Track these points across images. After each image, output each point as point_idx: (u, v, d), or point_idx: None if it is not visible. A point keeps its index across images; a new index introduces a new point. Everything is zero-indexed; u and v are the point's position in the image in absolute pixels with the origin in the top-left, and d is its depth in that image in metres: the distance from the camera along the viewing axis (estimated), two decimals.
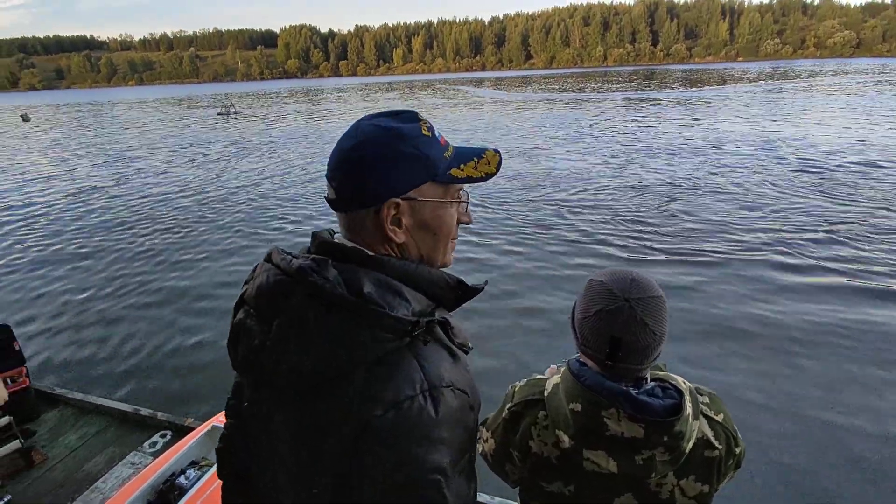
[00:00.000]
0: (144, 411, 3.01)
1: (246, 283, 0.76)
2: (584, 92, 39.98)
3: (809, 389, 3.49)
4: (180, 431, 2.84)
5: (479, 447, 1.12)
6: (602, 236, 6.65)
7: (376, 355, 0.62)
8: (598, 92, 39.07)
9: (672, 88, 40.11)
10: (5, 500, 2.43)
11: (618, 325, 0.89)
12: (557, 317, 4.58)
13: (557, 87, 50.30)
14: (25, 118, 37.65)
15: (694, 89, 38.10)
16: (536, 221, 7.48)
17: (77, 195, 10.80)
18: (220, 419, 2.45)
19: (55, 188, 11.67)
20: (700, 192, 8.70)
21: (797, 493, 2.74)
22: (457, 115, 26.46)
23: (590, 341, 0.94)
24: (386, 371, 0.62)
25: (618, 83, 51.57)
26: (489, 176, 0.78)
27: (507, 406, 1.07)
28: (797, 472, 2.85)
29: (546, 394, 1.01)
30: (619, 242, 6.38)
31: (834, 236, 6.22)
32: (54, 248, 7.26)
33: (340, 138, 0.73)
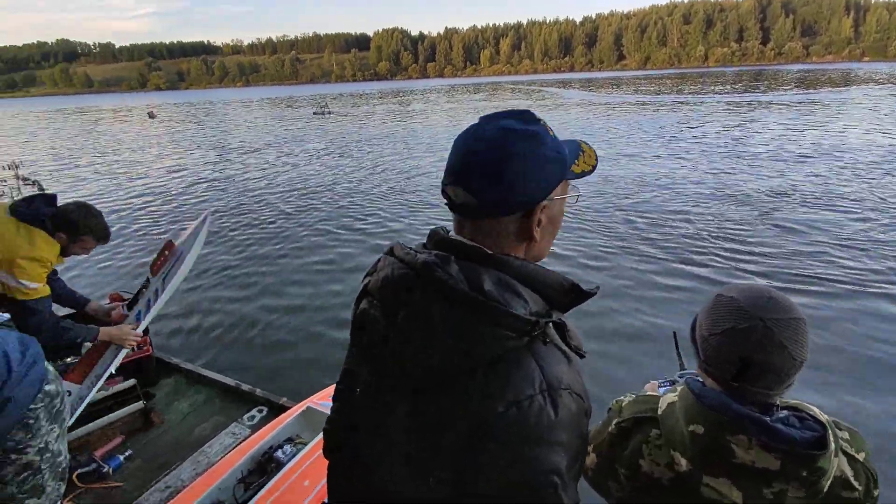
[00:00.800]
0: (245, 387, 3.26)
1: (368, 274, 0.79)
2: (682, 94, 37.70)
3: None
4: (275, 409, 3.04)
5: None
6: (693, 253, 6.16)
7: (496, 353, 0.62)
8: (698, 94, 36.65)
9: (785, 90, 36.67)
10: (127, 454, 2.73)
11: (750, 345, 0.84)
12: (643, 335, 4.37)
13: (652, 88, 47.88)
14: (151, 115, 42.24)
15: (811, 91, 34.60)
16: (622, 233, 7.14)
17: (192, 183, 11.95)
18: (314, 401, 2.59)
19: (174, 176, 12.99)
20: (809, 206, 7.85)
21: None
22: (543, 116, 25.94)
23: (714, 360, 0.90)
24: (506, 369, 0.62)
25: (720, 84, 48.08)
26: (594, 168, 0.82)
27: (615, 421, 1.04)
28: None
29: (660, 412, 0.97)
30: (712, 262, 5.86)
31: None
32: (171, 231, 8.08)
33: (464, 142, 0.73)
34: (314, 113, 35.82)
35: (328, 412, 2.47)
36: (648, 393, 1.09)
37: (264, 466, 2.20)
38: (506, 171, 0.68)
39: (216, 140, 22.11)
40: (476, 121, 0.76)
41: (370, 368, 0.76)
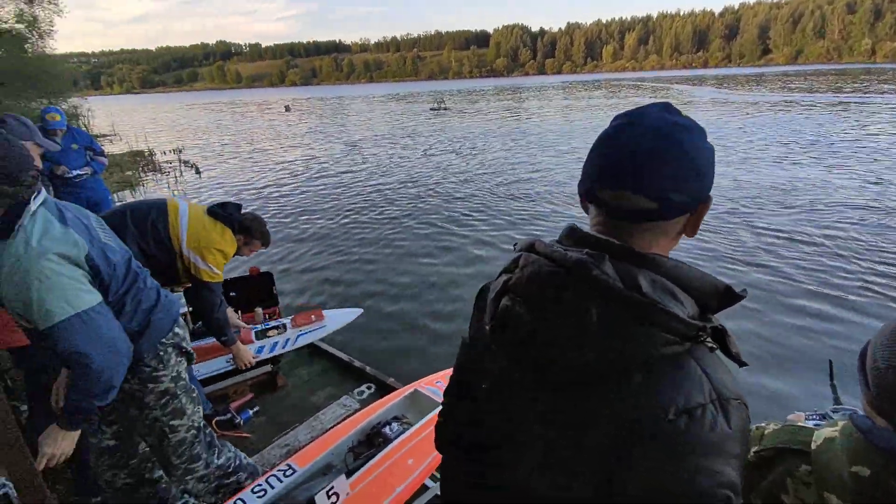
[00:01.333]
0: (357, 363, 3.48)
1: (507, 271, 0.78)
2: (842, 92, 32.92)
3: None
4: (382, 387, 3.21)
5: None
6: (844, 277, 5.37)
7: (656, 356, 0.60)
8: (862, 93, 31.77)
9: None
10: (255, 409, 3.06)
11: None
12: (785, 360, 3.95)
13: (804, 86, 42.42)
14: (287, 108, 46.59)
15: None
16: (754, 246, 6.43)
17: (317, 173, 12.98)
18: (421, 385, 2.69)
19: (304, 165, 14.21)
20: None
21: None
22: None
23: (891, 397, 0.78)
24: (671, 374, 0.60)
25: (890, 83, 41.20)
26: None
27: (755, 449, 0.97)
28: None
29: (814, 446, 0.87)
30: (868, 287, 5.05)
31: None
32: (305, 216, 8.86)
33: (629, 140, 0.68)
34: (431, 109, 36.94)
35: (433, 397, 2.54)
36: (798, 423, 0.98)
37: (372, 440, 2.34)
38: (692, 168, 0.66)
39: (342, 133, 23.77)
40: (615, 118, 0.73)
41: (510, 365, 0.74)
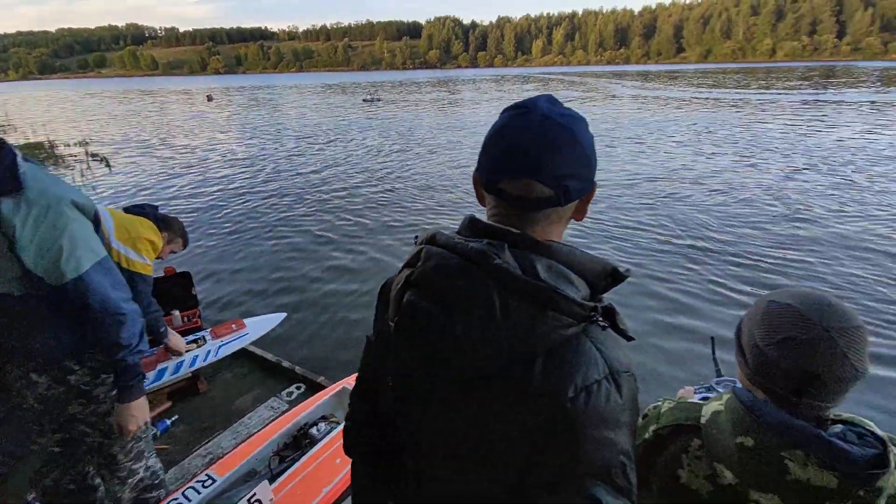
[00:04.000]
0: (286, 363, 3.37)
1: (408, 265, 0.75)
2: (749, 90, 35.82)
3: None
4: (312, 387, 3.13)
5: None
6: (732, 255, 5.92)
7: (556, 339, 0.62)
8: (765, 90, 34.73)
9: (862, 88, 34.19)
10: (174, 418, 2.89)
11: (816, 358, 0.79)
12: (672, 335, 4.26)
13: (713, 82, 45.72)
14: (210, 98, 44.02)
15: (893, 89, 32.14)
16: (659, 232, 6.91)
17: (241, 168, 12.38)
18: (350, 381, 2.65)
19: (225, 159, 13.50)
20: (872, 219, 7.33)
21: None
22: (595, 110, 25.29)
23: (769, 372, 0.84)
24: (568, 355, 0.62)
25: (789, 80, 45.34)
26: None
27: (652, 428, 1.00)
28: None
29: (703, 421, 0.92)
30: (755, 265, 5.60)
31: None
32: (224, 211, 8.42)
33: (517, 132, 0.69)
34: (364, 100, 36.30)
35: None
36: (688, 400, 1.03)
37: (299, 441, 2.28)
38: (583, 156, 0.69)
39: (268, 125, 22.80)
40: (505, 110, 0.73)
41: (415, 361, 0.72)
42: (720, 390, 1.22)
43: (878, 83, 39.42)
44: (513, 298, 0.62)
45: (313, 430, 2.29)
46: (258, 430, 2.48)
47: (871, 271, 5.36)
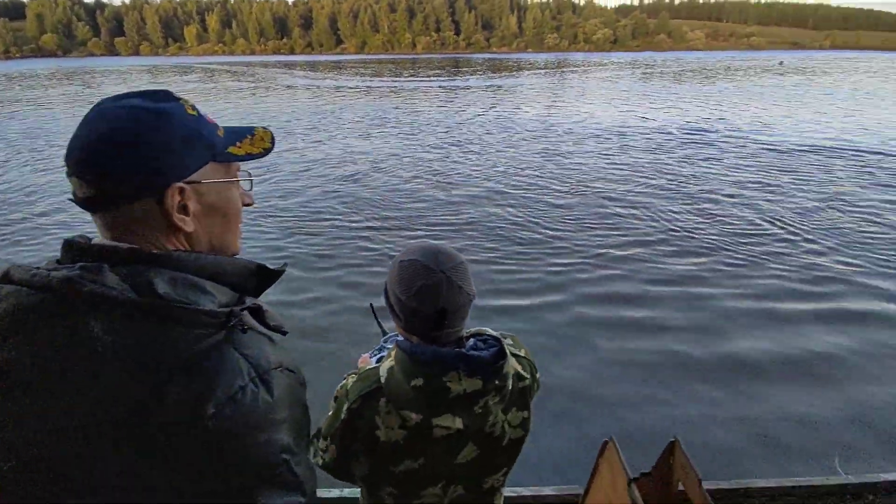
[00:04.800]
0: None
1: None
2: (401, 78, 40.89)
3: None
4: None
5: (319, 459, 1.12)
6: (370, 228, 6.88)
7: (192, 355, 0.57)
8: (414, 79, 40.31)
9: (479, 76, 43.40)
10: None
11: (442, 296, 0.96)
12: (338, 313, 4.75)
13: (371, 72, 50.51)
14: None
15: (497, 76, 41.88)
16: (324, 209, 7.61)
17: None
18: None
19: None
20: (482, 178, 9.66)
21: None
22: (268, 101, 24.77)
23: (415, 317, 0.99)
24: (208, 368, 0.58)
25: (430, 70, 53.86)
26: (267, 151, 0.79)
27: (345, 406, 1.05)
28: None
29: (383, 380, 1.01)
30: (387, 232, 6.65)
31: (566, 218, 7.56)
32: None
33: (82, 126, 0.65)
34: None
35: None
36: (367, 368, 1.11)
37: None
38: (124, 152, 0.62)
39: None
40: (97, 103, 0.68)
41: (16, 421, 0.55)
42: (389, 347, 1.33)
43: (489, 71, 50.78)
44: (124, 324, 0.56)
45: None
46: None
47: (482, 213, 7.12)
